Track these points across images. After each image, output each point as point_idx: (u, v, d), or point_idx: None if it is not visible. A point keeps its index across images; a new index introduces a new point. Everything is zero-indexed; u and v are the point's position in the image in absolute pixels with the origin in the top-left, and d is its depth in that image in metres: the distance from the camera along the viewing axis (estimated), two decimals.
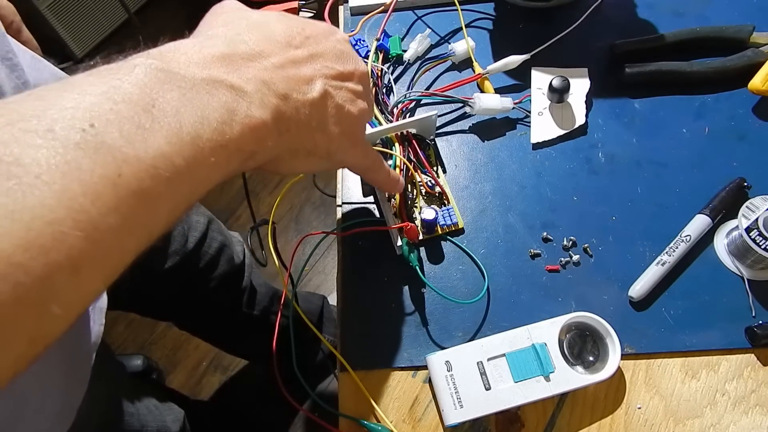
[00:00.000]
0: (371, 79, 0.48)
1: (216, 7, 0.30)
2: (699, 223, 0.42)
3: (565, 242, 0.44)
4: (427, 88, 0.52)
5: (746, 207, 0.41)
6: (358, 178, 0.48)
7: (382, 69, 0.51)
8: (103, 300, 0.47)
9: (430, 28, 0.55)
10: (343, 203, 0.47)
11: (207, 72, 0.24)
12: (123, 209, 0.19)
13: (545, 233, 0.44)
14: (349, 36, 0.52)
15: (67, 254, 0.17)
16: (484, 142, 0.49)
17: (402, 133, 0.46)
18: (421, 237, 0.44)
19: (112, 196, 0.18)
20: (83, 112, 0.19)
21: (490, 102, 0.48)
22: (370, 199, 0.47)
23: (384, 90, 0.50)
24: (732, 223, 0.43)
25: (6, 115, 0.18)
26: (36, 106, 0.19)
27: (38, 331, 0.17)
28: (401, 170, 0.44)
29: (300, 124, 0.28)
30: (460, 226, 0.44)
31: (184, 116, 0.22)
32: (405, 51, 0.53)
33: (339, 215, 0.47)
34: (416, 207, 0.45)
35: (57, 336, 0.19)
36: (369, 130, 0.43)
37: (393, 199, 0.44)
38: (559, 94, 0.48)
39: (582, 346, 0.39)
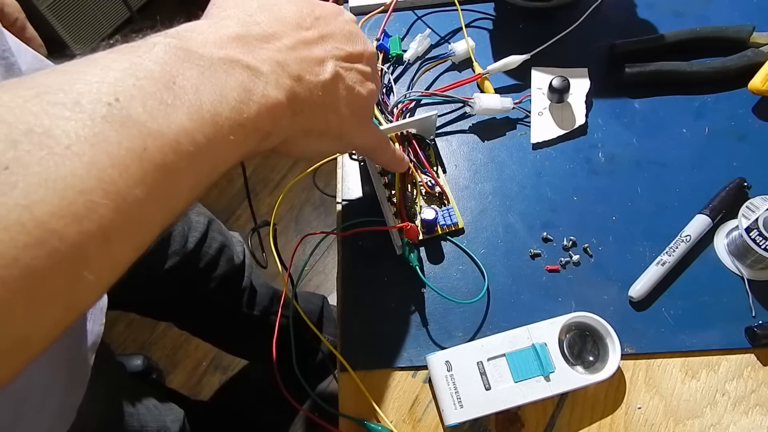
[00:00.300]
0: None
1: None
2: (699, 223, 0.42)
3: (565, 242, 0.44)
4: (427, 88, 0.52)
5: (746, 207, 0.41)
6: (358, 177, 0.48)
7: (382, 69, 0.51)
8: (103, 300, 0.47)
9: (430, 28, 0.55)
10: (343, 200, 0.47)
11: (224, 52, 0.24)
12: (149, 182, 0.19)
13: (545, 233, 0.44)
14: None
15: (99, 223, 0.18)
16: (484, 142, 0.49)
17: (402, 133, 0.46)
18: (421, 237, 0.44)
19: (138, 169, 0.19)
20: (108, 86, 0.19)
21: (490, 102, 0.48)
22: (370, 198, 0.47)
23: (384, 90, 0.50)
24: (732, 223, 0.43)
25: (34, 87, 0.18)
26: (62, 80, 0.19)
27: (73, 297, 0.18)
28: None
29: (313, 105, 0.28)
30: (460, 226, 0.44)
31: (204, 94, 0.22)
32: (405, 51, 0.53)
33: (339, 215, 0.47)
34: (416, 207, 0.45)
35: (91, 304, 0.19)
36: None
37: (393, 199, 0.44)
38: (559, 94, 0.48)
39: (582, 346, 0.39)
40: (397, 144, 0.45)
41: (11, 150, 0.16)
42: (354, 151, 0.48)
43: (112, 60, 0.21)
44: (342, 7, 0.33)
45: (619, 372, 0.39)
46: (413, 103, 0.51)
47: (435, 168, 0.47)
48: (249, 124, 0.24)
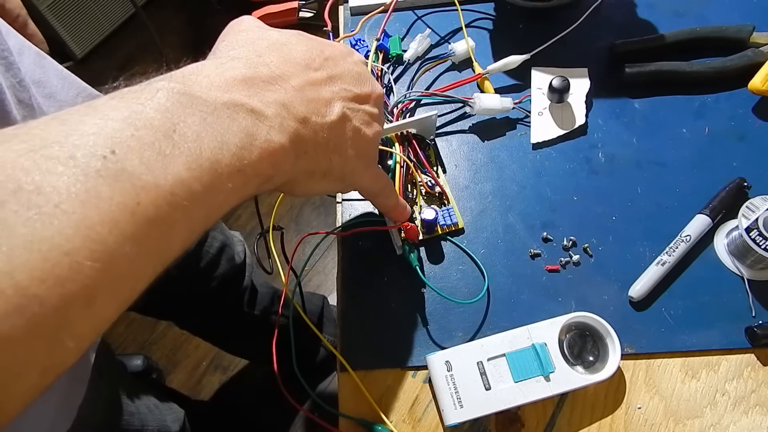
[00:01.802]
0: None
1: (234, 24, 0.30)
2: (699, 223, 0.42)
3: (565, 242, 0.44)
4: (427, 88, 0.52)
5: (746, 207, 0.41)
6: None
7: (382, 69, 0.51)
8: None
9: (430, 28, 0.55)
10: (343, 200, 0.47)
11: (228, 96, 0.24)
12: (139, 237, 0.19)
13: (545, 233, 0.44)
14: (349, 36, 0.52)
15: (83, 284, 0.17)
16: (484, 142, 0.49)
17: (402, 133, 0.46)
18: (421, 237, 0.44)
19: (129, 224, 0.18)
20: (105, 138, 0.19)
21: (490, 102, 0.48)
22: None
23: (384, 90, 0.50)
24: (732, 223, 0.43)
25: (29, 141, 0.18)
26: (59, 131, 0.19)
27: (50, 361, 0.17)
28: (401, 168, 0.44)
29: (318, 147, 0.28)
30: (460, 226, 0.44)
31: (205, 141, 0.22)
32: (405, 51, 0.53)
33: (339, 215, 0.47)
34: (416, 207, 0.45)
35: (69, 365, 0.18)
36: None
37: None
38: (559, 94, 0.48)
39: (582, 346, 0.39)
40: (397, 144, 0.45)
41: None
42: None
43: (112, 108, 0.20)
44: (352, 48, 0.33)
45: (619, 372, 0.39)
46: (413, 103, 0.51)
47: (435, 168, 0.47)
48: (249, 169, 0.23)
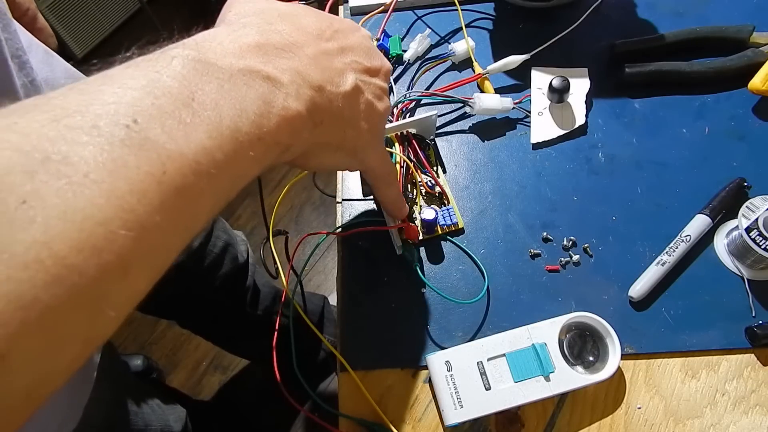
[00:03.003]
0: None
1: None
2: (699, 223, 0.42)
3: (565, 242, 0.44)
4: (427, 88, 0.52)
5: (746, 207, 0.41)
6: (358, 177, 0.48)
7: None
8: None
9: (430, 28, 0.55)
10: (343, 200, 0.47)
11: (243, 62, 0.24)
12: (168, 207, 0.19)
13: (545, 233, 0.44)
14: None
15: (118, 254, 0.17)
16: (484, 142, 0.49)
17: (402, 133, 0.46)
18: (421, 237, 0.44)
19: (157, 194, 0.18)
20: (126, 107, 0.19)
21: (490, 102, 0.48)
22: (370, 198, 0.47)
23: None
24: (732, 223, 0.43)
25: (50, 111, 0.18)
26: (79, 101, 0.18)
27: (92, 331, 0.17)
28: (401, 168, 0.44)
29: (333, 116, 0.28)
30: (460, 226, 0.45)
31: (224, 109, 0.21)
32: (405, 51, 0.53)
33: (339, 215, 0.47)
34: (416, 207, 0.45)
35: (109, 335, 0.19)
36: None
37: None
38: (559, 94, 0.48)
39: (582, 346, 0.39)
40: (397, 144, 0.45)
41: (28, 182, 0.16)
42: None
43: (129, 77, 0.20)
44: (357, 24, 0.34)
45: (619, 372, 0.39)
46: (413, 103, 0.51)
47: (435, 168, 0.47)
48: (268, 137, 0.23)
